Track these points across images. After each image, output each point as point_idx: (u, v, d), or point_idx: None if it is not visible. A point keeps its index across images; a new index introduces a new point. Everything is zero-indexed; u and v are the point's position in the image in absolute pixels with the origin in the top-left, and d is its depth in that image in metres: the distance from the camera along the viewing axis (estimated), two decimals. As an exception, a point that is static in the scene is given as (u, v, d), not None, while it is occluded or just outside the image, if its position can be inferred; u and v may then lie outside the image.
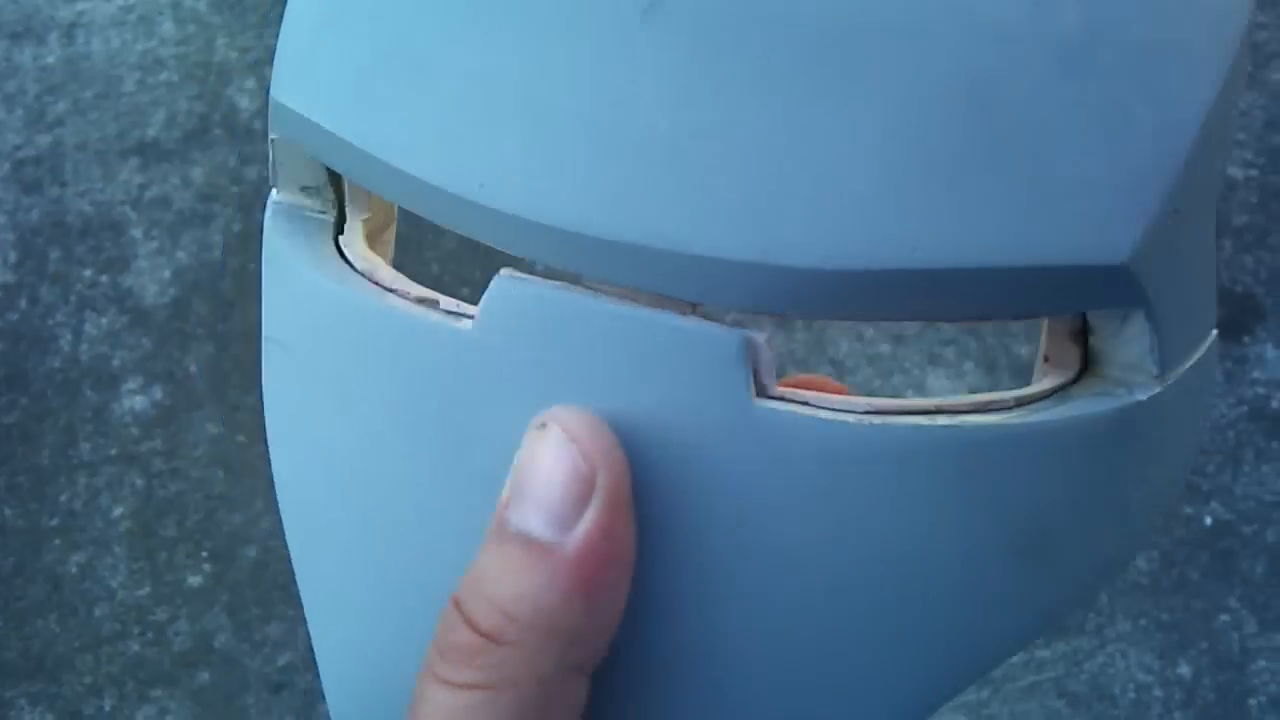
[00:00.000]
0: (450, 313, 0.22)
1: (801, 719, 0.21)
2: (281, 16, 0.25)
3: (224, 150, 0.95)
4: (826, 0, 0.20)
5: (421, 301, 0.22)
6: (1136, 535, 0.24)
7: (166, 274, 0.92)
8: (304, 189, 0.26)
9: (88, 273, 0.93)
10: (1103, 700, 0.81)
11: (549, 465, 0.20)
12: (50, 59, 1.02)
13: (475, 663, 0.20)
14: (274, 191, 0.26)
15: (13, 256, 0.94)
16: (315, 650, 0.25)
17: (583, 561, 0.20)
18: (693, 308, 0.21)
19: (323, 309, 0.23)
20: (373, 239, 0.26)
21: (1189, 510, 0.85)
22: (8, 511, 0.87)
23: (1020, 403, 0.21)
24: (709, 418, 0.20)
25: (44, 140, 0.98)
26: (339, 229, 0.25)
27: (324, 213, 0.26)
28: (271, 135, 0.25)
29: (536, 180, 0.21)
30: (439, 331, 0.22)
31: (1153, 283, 0.20)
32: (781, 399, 0.20)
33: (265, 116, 0.99)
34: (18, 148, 0.98)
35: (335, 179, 0.26)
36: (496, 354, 0.21)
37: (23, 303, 0.93)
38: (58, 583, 0.85)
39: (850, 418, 0.20)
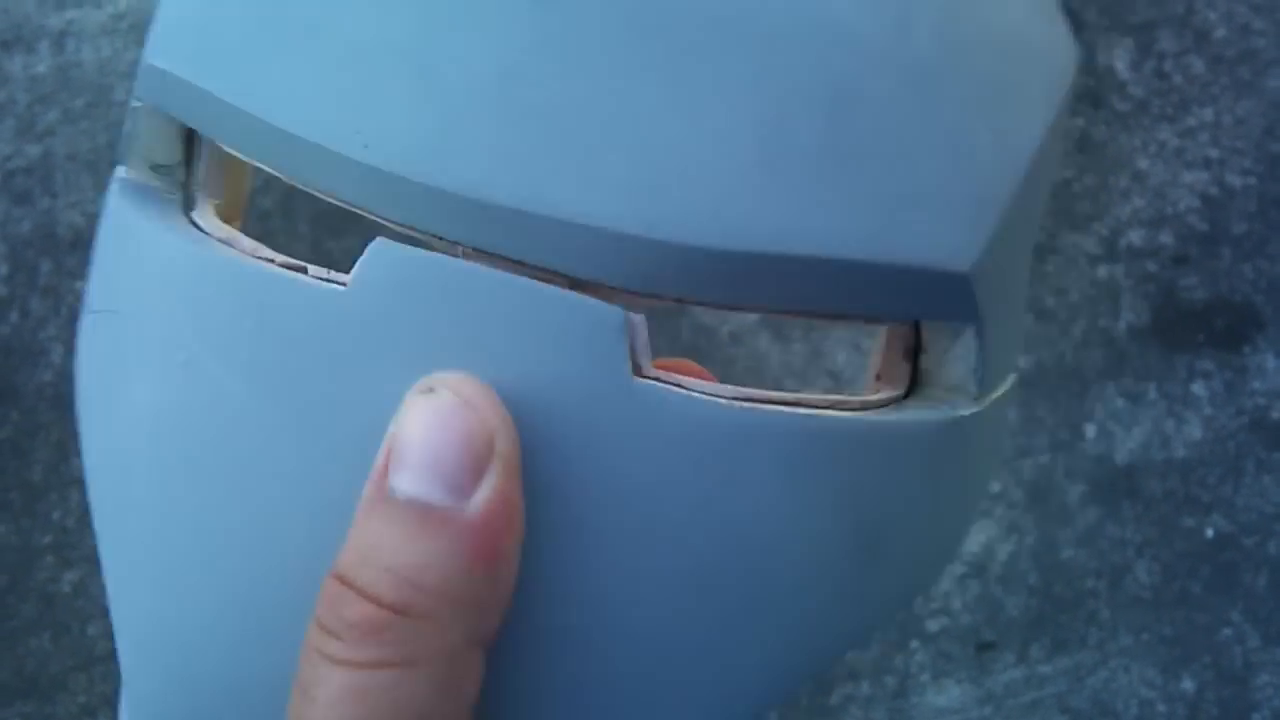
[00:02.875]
0: (320, 278, 0.22)
1: (662, 692, 0.21)
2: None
3: (216, 161, 0.94)
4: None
5: (288, 267, 0.22)
6: (944, 549, 0.25)
7: (159, 286, 0.92)
8: (155, 167, 0.25)
9: (79, 285, 0.92)
10: (1105, 716, 0.80)
11: (442, 429, 0.19)
12: (40, 68, 1.01)
13: (383, 638, 0.19)
14: (120, 169, 0.25)
15: (3, 269, 0.93)
16: (118, 631, 0.24)
17: (486, 528, 0.19)
18: (572, 285, 0.21)
19: (174, 270, 0.22)
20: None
21: (1190, 523, 0.84)
22: (0, 529, 0.86)
23: (865, 406, 0.22)
24: (589, 391, 0.20)
25: (34, 150, 0.98)
26: (187, 209, 0.25)
27: (171, 194, 0.25)
28: (135, 102, 0.24)
29: (422, 141, 0.21)
30: (309, 294, 0.21)
31: (986, 299, 0.22)
32: (656, 379, 0.21)
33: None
34: (8, 158, 0.97)
35: (189, 159, 0.25)
36: (371, 319, 0.21)
37: (14, 315, 0.92)
38: (50, 601, 0.84)
39: (721, 400, 0.21)
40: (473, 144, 0.20)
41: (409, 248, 0.21)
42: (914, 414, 0.22)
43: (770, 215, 0.20)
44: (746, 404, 0.21)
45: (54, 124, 0.98)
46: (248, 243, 0.23)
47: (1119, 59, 1.00)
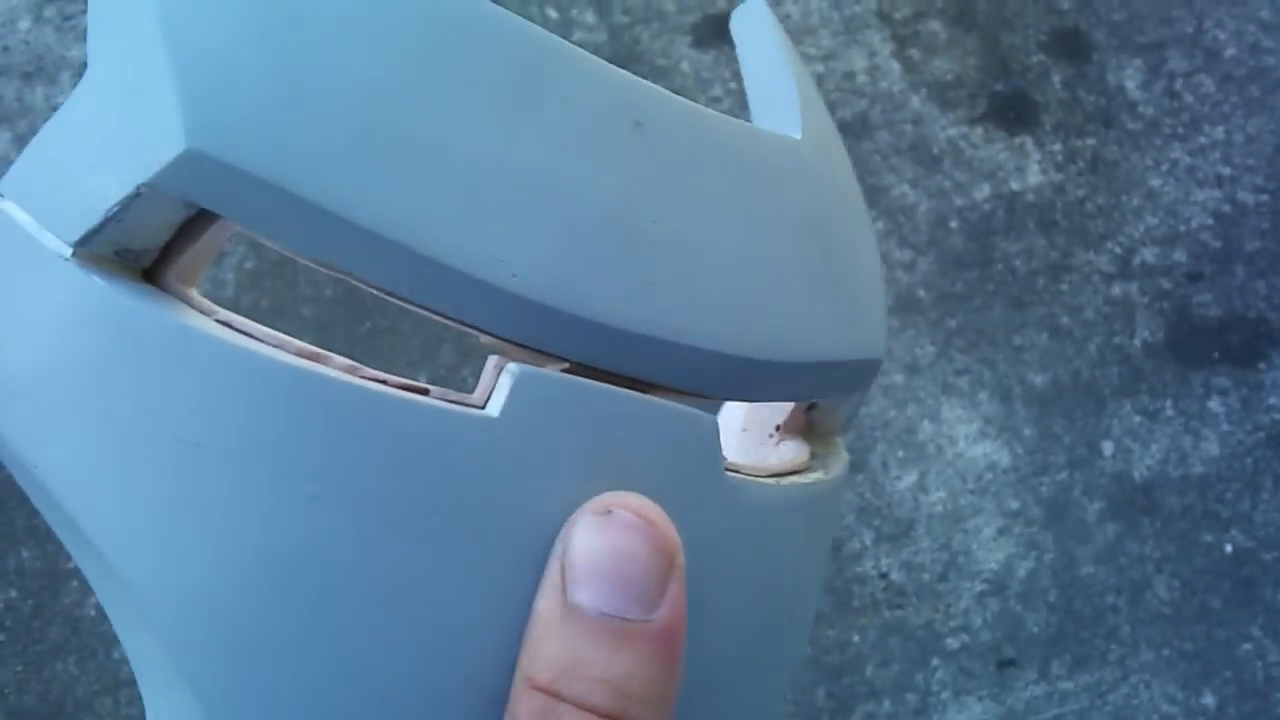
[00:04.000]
0: (450, 400, 0.21)
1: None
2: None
3: (237, 188, 0.96)
4: (731, 147, 0.24)
5: (404, 388, 0.21)
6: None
7: (181, 313, 0.92)
8: (122, 251, 0.21)
9: (102, 312, 0.93)
10: (1128, 732, 0.80)
11: (629, 548, 0.21)
12: (62, 99, 1.02)
13: None
14: (62, 248, 0.20)
15: (27, 297, 0.94)
16: None
17: (671, 634, 0.21)
18: (646, 388, 0.23)
19: (272, 396, 0.20)
20: None
21: (1209, 538, 0.84)
22: (26, 554, 0.87)
23: (808, 469, 0.26)
24: (696, 492, 0.23)
25: (57, 180, 0.99)
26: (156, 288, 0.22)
27: (109, 283, 0.21)
28: (141, 186, 0.20)
29: (563, 271, 0.22)
30: (454, 422, 0.21)
31: None
32: (728, 468, 0.23)
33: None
34: (31, 188, 0.99)
35: (171, 247, 0.21)
36: (523, 443, 0.21)
37: (37, 343, 0.93)
38: (76, 625, 0.85)
39: (770, 480, 0.24)
40: (603, 274, 0.22)
41: (556, 374, 0.22)
42: (834, 476, 0.26)
43: (816, 329, 0.24)
44: (777, 480, 0.24)
45: (76, 154, 0.99)
46: (298, 344, 0.21)
47: (1129, 79, 1.01)
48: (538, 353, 0.22)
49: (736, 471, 0.24)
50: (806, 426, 0.27)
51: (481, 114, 0.22)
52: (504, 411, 0.21)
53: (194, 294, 0.21)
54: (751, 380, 0.24)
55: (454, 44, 0.22)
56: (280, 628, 0.20)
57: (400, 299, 0.21)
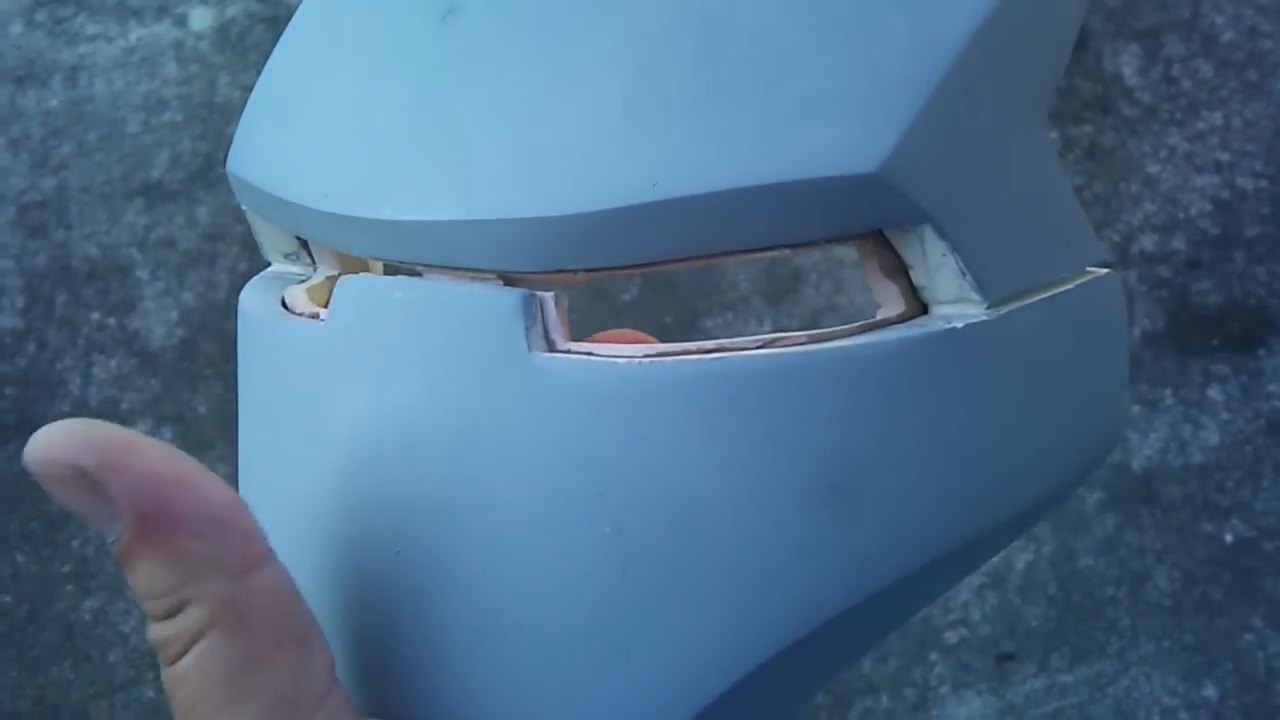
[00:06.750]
0: (319, 318, 0.24)
1: (604, 664, 0.21)
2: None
3: (228, 189, 0.95)
4: None
5: (310, 316, 0.25)
6: (1007, 478, 0.21)
7: (173, 315, 0.92)
8: (285, 255, 0.28)
9: (95, 316, 0.93)
10: (1128, 725, 0.80)
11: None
12: (54, 102, 1.02)
13: None
14: (269, 265, 0.28)
15: (20, 301, 0.94)
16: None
17: (135, 539, 0.20)
18: (507, 280, 0.22)
19: (246, 339, 0.26)
20: None
21: (1209, 528, 0.84)
22: (20, 558, 0.86)
23: (814, 339, 0.20)
24: (494, 373, 0.21)
25: (49, 184, 0.98)
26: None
27: (303, 276, 0.27)
28: (243, 207, 0.27)
29: (359, 181, 0.23)
30: (299, 332, 0.24)
31: (929, 195, 0.19)
32: (567, 352, 0.21)
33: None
34: (23, 192, 0.98)
35: (306, 242, 0.28)
36: (340, 343, 0.23)
37: (31, 347, 0.93)
38: (71, 630, 0.85)
39: (623, 361, 0.20)
40: (393, 173, 0.22)
41: (364, 276, 0.24)
42: (878, 337, 0.20)
43: (637, 166, 0.19)
44: (653, 360, 0.20)
45: (68, 157, 0.99)
46: (304, 304, 0.26)
47: (1126, 65, 1.00)
48: (393, 264, 0.24)
49: (587, 354, 0.20)
50: (924, 300, 0.22)
51: (330, 65, 0.25)
52: (328, 318, 0.24)
53: (296, 290, 0.27)
54: (587, 242, 0.20)
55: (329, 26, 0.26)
56: (263, 477, 0.26)
57: (293, 232, 0.26)
